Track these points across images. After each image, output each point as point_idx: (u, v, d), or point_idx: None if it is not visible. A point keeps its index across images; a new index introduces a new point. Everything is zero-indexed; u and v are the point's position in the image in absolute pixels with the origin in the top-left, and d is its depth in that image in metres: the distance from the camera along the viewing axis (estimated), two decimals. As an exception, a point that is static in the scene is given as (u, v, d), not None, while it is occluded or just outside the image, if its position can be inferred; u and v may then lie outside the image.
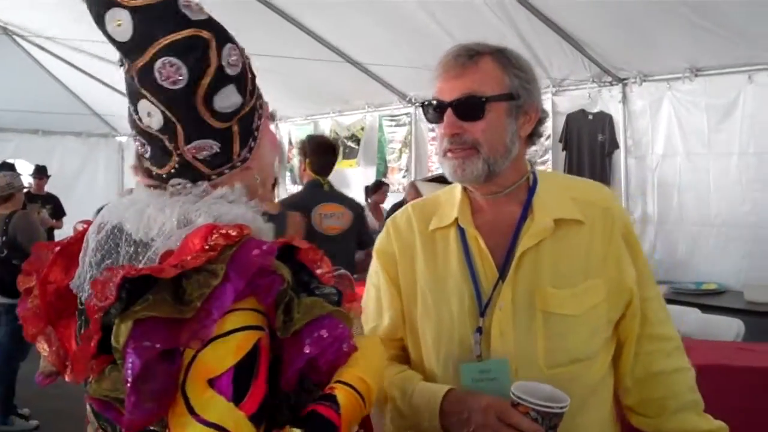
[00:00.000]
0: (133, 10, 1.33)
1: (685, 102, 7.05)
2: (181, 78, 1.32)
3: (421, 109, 9.46)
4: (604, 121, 7.70)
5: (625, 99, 7.55)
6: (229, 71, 1.36)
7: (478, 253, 1.84)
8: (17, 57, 11.80)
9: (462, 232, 1.88)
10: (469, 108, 1.76)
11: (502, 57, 1.80)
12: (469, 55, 1.78)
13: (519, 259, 1.79)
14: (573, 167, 7.96)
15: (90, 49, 9.40)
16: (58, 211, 10.16)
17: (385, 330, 1.98)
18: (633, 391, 1.91)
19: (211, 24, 1.37)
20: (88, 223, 1.52)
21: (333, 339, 1.29)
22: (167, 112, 1.36)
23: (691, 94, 6.98)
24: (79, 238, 1.52)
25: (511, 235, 1.83)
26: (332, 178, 10.68)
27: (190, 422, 1.16)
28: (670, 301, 5.81)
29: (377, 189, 9.21)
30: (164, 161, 1.41)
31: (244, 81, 1.39)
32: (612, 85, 7.60)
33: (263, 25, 8.29)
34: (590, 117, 7.82)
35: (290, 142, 11.98)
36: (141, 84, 1.36)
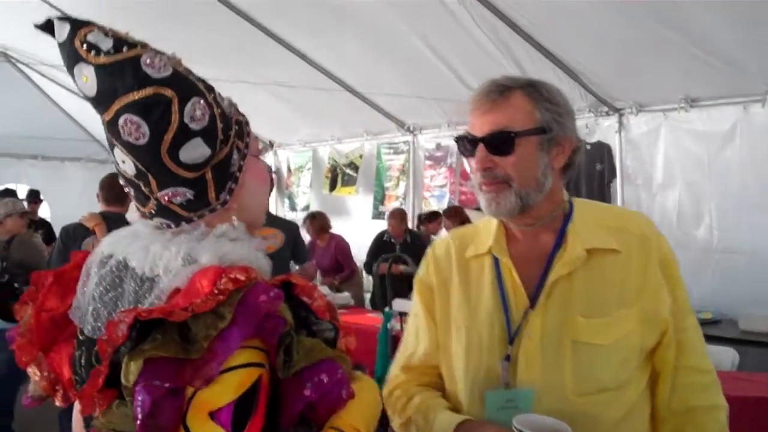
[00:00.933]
0: (97, 67, 1.35)
1: (681, 132, 7.12)
2: (142, 136, 1.35)
3: (420, 138, 9.67)
4: (602, 150, 7.75)
5: (622, 128, 7.61)
6: (194, 126, 1.37)
7: (511, 283, 1.87)
8: (18, 83, 11.88)
9: (496, 260, 1.92)
10: (499, 143, 1.78)
11: (534, 91, 1.81)
12: (500, 91, 1.80)
13: (550, 288, 1.81)
14: (571, 196, 7.92)
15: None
16: (49, 236, 10.15)
17: (420, 358, 2.05)
18: (668, 422, 1.89)
19: (174, 80, 1.37)
20: (86, 253, 1.54)
21: (333, 385, 1.33)
22: (137, 162, 1.39)
23: (687, 123, 7.05)
24: (75, 266, 1.55)
25: (544, 264, 1.85)
26: (332, 205, 10.77)
27: None
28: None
29: (432, 219, 9.17)
30: (144, 203, 1.45)
31: (214, 132, 1.40)
32: (608, 115, 7.67)
33: (264, 54, 8.38)
34: (588, 147, 7.85)
35: (289, 169, 12.03)
36: (110, 135, 1.39)
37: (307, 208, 11.49)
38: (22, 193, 10.45)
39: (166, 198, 1.41)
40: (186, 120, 1.36)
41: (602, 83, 7.32)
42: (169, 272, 1.36)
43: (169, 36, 8.73)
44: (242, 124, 1.50)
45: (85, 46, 1.35)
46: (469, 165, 1.88)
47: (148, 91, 1.34)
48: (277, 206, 12.19)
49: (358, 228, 9.33)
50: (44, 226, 10.30)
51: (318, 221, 9.18)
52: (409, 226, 9.45)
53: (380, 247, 8.75)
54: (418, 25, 7.15)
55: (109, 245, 1.49)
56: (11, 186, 10.42)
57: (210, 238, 1.41)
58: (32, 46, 10.26)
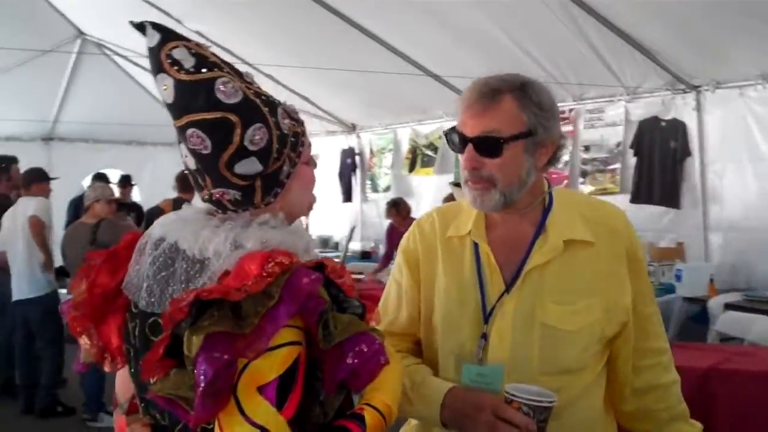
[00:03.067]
0: (177, 82, 1.54)
1: (757, 109, 7.09)
2: (205, 148, 1.55)
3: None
4: (677, 128, 7.74)
5: (698, 106, 7.59)
6: (252, 147, 1.55)
7: (488, 266, 1.98)
8: (112, 72, 12.36)
9: (476, 243, 2.02)
10: (488, 146, 1.87)
11: (523, 95, 1.88)
12: (492, 94, 1.87)
13: (526, 275, 1.93)
14: (643, 174, 8.03)
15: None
16: (140, 219, 10.53)
17: (402, 325, 2.13)
18: (631, 400, 2.07)
19: (241, 107, 1.54)
20: (136, 234, 1.72)
21: (372, 353, 1.50)
22: (197, 164, 1.60)
23: (763, 101, 7.03)
24: (126, 245, 1.72)
25: (523, 252, 1.95)
26: (411, 186, 10.91)
27: (240, 422, 1.39)
28: (740, 308, 5.91)
29: None
30: (200, 190, 1.65)
31: (269, 152, 1.57)
32: (685, 92, 7.66)
33: (346, 41, 8.70)
34: (663, 124, 7.87)
35: (371, 151, 12.23)
36: (179, 137, 1.60)
37: (388, 189, 11.68)
38: (115, 177, 10.92)
39: (217, 194, 1.61)
40: (246, 143, 1.54)
41: (678, 61, 7.32)
42: (219, 256, 1.52)
43: (255, 27, 9.04)
44: (298, 135, 1.65)
45: (169, 60, 1.55)
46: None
47: (216, 114, 1.53)
48: (360, 188, 12.48)
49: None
50: (136, 209, 10.69)
51: (403, 208, 9.43)
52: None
53: None
54: (492, 10, 7.28)
55: (161, 228, 1.66)
56: (106, 171, 10.87)
57: (254, 225, 1.57)
58: (124, 37, 10.70)
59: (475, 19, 7.52)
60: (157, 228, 1.67)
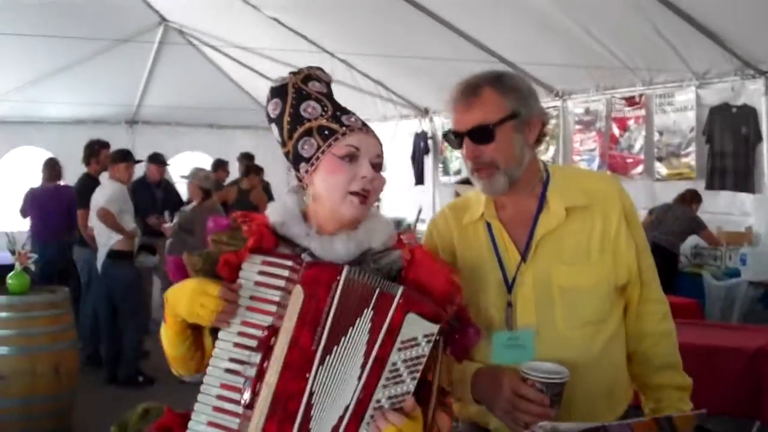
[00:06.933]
0: None
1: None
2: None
3: (569, 103, 9.78)
4: (748, 114, 7.75)
5: (768, 92, 7.56)
6: (270, 115, 1.97)
7: (503, 242, 2.20)
8: (193, 57, 12.61)
9: (489, 224, 2.23)
10: (480, 135, 2.09)
11: (499, 84, 2.12)
12: (472, 90, 2.11)
13: (537, 244, 2.15)
14: (716, 160, 8.06)
15: (260, 50, 10.27)
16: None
17: None
18: (629, 343, 2.27)
19: (276, 89, 1.97)
20: None
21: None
22: None
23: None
24: None
25: (530, 224, 2.18)
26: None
27: None
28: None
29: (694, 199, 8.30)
30: None
31: (281, 124, 1.95)
32: (755, 77, 7.64)
33: (420, 28, 8.90)
34: (734, 110, 7.88)
35: (443, 136, 12.28)
36: None
37: (458, 172, 11.79)
38: (200, 160, 11.23)
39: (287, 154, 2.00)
40: (268, 110, 1.98)
41: (747, 46, 7.32)
42: None
43: (331, 15, 9.26)
44: (334, 131, 1.92)
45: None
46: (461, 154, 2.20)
47: (269, 93, 2.00)
48: (432, 171, 12.70)
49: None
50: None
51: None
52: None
53: None
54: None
55: None
56: (187, 153, 11.15)
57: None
58: (208, 24, 11.03)
59: (547, 7, 7.63)
60: None
